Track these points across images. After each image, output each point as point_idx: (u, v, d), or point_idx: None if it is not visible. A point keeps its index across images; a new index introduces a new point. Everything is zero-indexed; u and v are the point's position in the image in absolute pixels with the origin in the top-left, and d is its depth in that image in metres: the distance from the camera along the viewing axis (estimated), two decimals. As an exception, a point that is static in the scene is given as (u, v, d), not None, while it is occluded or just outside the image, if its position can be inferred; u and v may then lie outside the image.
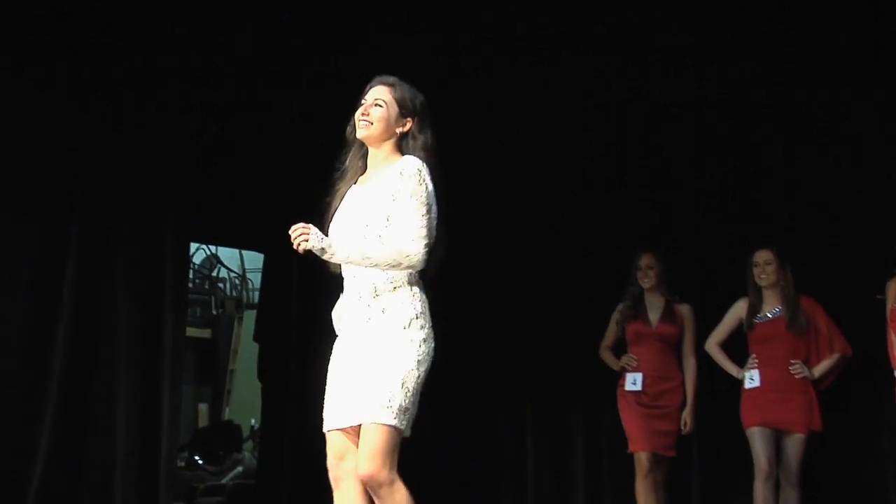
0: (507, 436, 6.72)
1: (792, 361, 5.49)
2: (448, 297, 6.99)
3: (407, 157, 3.44)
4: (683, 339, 5.80)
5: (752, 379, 5.53)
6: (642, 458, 5.66)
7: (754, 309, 5.60)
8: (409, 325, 3.35)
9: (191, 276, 13.22)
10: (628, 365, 5.79)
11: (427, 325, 3.38)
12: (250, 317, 12.34)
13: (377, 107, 3.47)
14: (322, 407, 3.46)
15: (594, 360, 5.99)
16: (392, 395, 3.26)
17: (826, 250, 5.79)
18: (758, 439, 5.45)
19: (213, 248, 13.08)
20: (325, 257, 3.33)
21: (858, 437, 5.64)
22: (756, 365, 5.54)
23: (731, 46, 6.14)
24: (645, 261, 5.84)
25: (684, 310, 5.83)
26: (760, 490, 5.41)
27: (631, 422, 5.73)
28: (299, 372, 7.31)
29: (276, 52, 6.33)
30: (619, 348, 5.92)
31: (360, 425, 3.29)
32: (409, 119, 3.49)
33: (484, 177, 6.72)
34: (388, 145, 3.50)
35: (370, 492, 3.30)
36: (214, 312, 14.03)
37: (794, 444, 5.44)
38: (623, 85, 6.49)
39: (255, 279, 11.78)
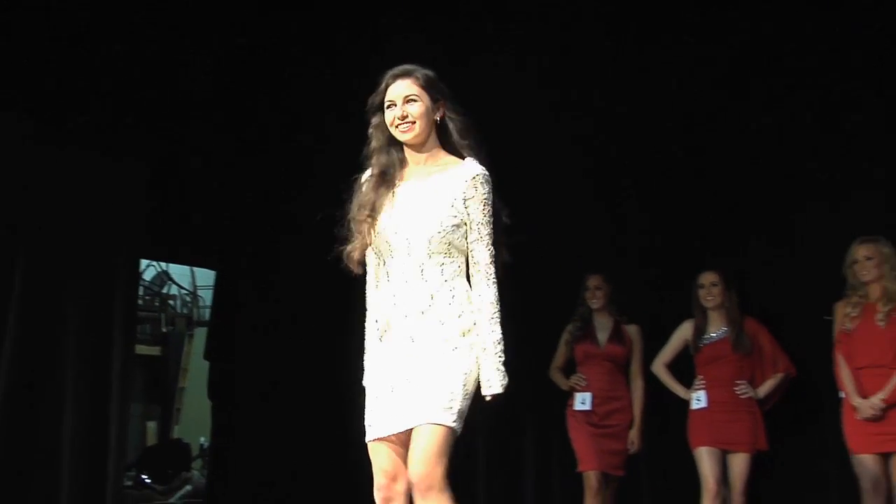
0: (458, 457, 6.64)
1: (737, 382, 5.52)
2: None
3: (472, 163, 3.29)
4: (631, 360, 5.81)
5: (698, 399, 5.55)
6: (591, 478, 5.66)
7: (700, 330, 5.64)
8: (468, 333, 3.25)
9: (141, 293, 13.01)
10: (577, 385, 5.81)
11: None
12: (201, 334, 12.19)
13: (412, 103, 3.27)
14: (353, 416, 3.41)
15: (544, 381, 5.96)
16: (453, 397, 3.13)
17: (772, 272, 5.83)
18: (705, 459, 5.47)
19: (163, 265, 12.89)
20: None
21: (804, 456, 5.67)
22: (702, 386, 5.56)
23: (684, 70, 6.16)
24: (593, 282, 5.86)
25: (632, 330, 5.84)
26: (708, 509, 5.43)
27: (580, 441, 5.73)
28: (249, 390, 7.22)
29: (229, 70, 6.25)
30: (569, 368, 5.91)
31: (406, 434, 3.15)
32: (440, 102, 3.31)
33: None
34: (432, 137, 3.32)
35: (419, 496, 3.12)
36: (164, 330, 13.83)
37: (741, 464, 5.46)
38: (577, 100, 6.48)
39: (207, 296, 11.61)
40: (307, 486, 6.96)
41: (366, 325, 3.40)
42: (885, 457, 5.03)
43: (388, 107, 3.31)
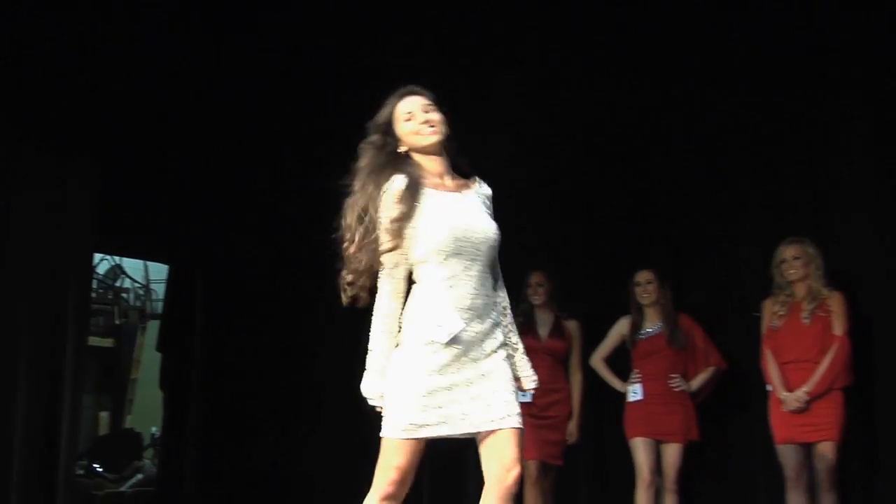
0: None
1: (671, 375, 5.58)
2: (338, 322, 6.98)
3: (483, 182, 3.40)
4: (571, 354, 5.86)
5: (634, 392, 5.60)
6: (531, 467, 5.67)
7: (636, 326, 5.68)
8: (504, 343, 3.32)
9: (94, 286, 12.89)
10: (519, 378, 5.82)
11: None
12: (153, 327, 12.11)
13: (431, 111, 3.30)
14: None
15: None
16: (517, 404, 3.23)
17: (704, 271, 5.89)
18: (640, 449, 5.52)
19: (117, 258, 12.78)
20: None
21: (733, 446, 5.75)
22: (638, 379, 5.61)
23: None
24: (535, 278, 5.89)
25: (572, 325, 5.88)
26: (642, 497, 5.48)
27: (523, 432, 5.75)
28: (201, 381, 7.20)
29: (183, 65, 6.21)
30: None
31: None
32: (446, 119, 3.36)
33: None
34: (443, 149, 3.35)
35: (507, 498, 3.21)
36: (117, 322, 13.71)
37: (674, 453, 5.52)
38: (519, 102, 6.52)
39: (159, 290, 11.53)
40: (258, 475, 6.96)
41: (382, 326, 3.33)
42: (807, 446, 5.14)
43: (407, 120, 3.32)
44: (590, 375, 5.80)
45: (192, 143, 6.70)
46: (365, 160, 3.33)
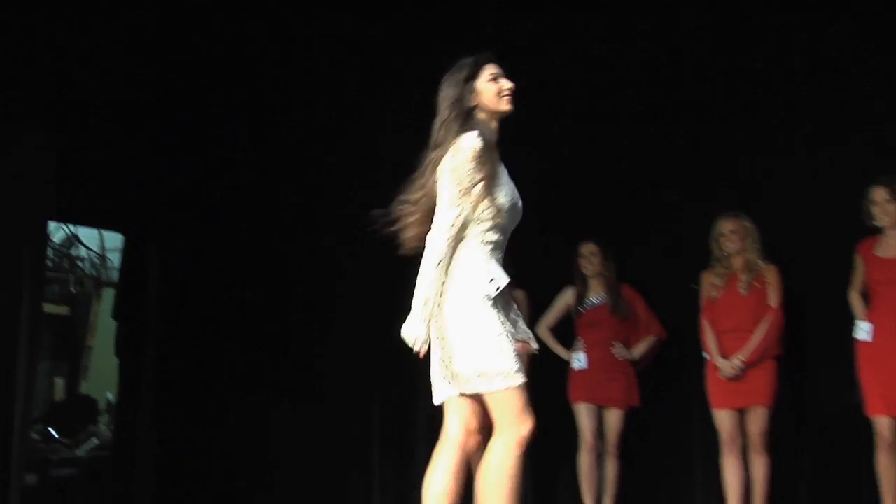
0: (354, 424, 6.71)
1: (614, 343, 5.67)
2: (294, 293, 6.99)
3: None
4: (517, 323, 5.90)
5: (578, 360, 5.68)
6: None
7: (581, 296, 5.75)
8: None
9: (50, 254, 12.74)
10: (467, 346, 5.86)
11: None
12: (109, 295, 11.99)
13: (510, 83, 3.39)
14: None
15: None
16: None
17: (646, 243, 5.96)
18: (583, 414, 5.61)
19: (72, 227, 12.63)
20: None
21: (672, 412, 5.84)
22: (582, 347, 5.69)
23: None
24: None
25: (519, 296, 5.86)
26: (585, 460, 5.58)
27: (468, 397, 5.81)
28: (157, 349, 7.18)
29: (140, 34, 6.15)
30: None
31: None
32: None
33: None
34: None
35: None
36: (73, 290, 13.56)
37: (615, 419, 5.61)
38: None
39: (115, 259, 11.42)
40: (213, 441, 6.96)
41: (438, 275, 3.28)
42: (741, 412, 5.26)
43: (492, 80, 3.36)
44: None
45: (148, 113, 6.64)
46: (445, 110, 3.33)
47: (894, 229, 5.03)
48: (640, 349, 5.70)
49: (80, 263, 13.85)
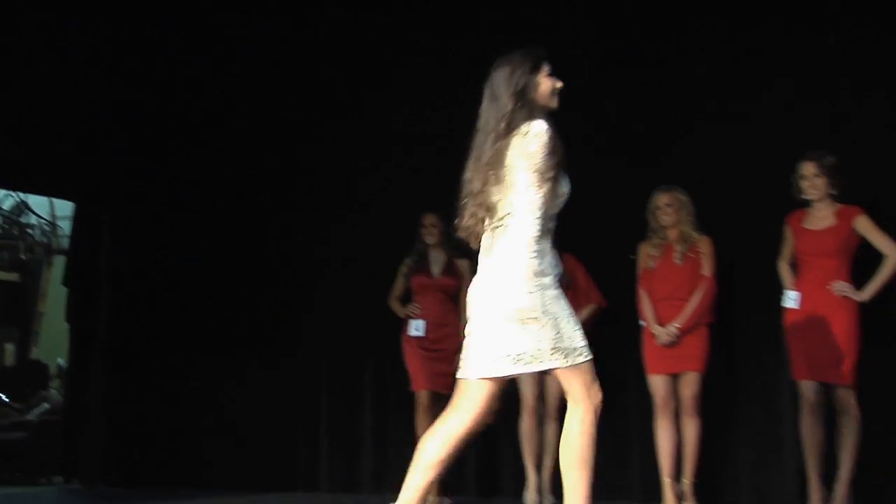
0: (304, 377, 6.74)
1: (554, 312, 5.72)
2: (244, 259, 6.98)
3: None
4: (462, 291, 5.94)
5: (521, 326, 5.73)
6: (423, 396, 5.80)
7: (525, 265, 5.79)
8: None
9: (0, 221, 12.60)
10: (412, 313, 5.91)
11: None
12: (59, 262, 11.89)
13: None
14: None
15: (384, 310, 6.09)
16: None
17: (585, 215, 6.00)
18: (525, 379, 5.65)
19: (22, 195, 12.47)
20: None
21: (609, 377, 5.90)
22: (524, 314, 5.74)
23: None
24: (429, 220, 5.95)
25: (463, 264, 5.95)
26: (527, 422, 5.66)
27: (413, 363, 5.85)
28: (108, 315, 7.15)
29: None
30: (406, 298, 6.03)
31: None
32: None
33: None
34: None
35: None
36: (23, 257, 13.42)
37: (555, 384, 5.65)
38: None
39: (66, 226, 11.31)
40: (163, 403, 6.97)
41: (537, 264, 3.31)
42: (675, 377, 5.38)
43: (549, 76, 3.37)
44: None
45: (99, 81, 6.57)
46: (508, 100, 3.30)
47: (822, 203, 5.14)
48: (580, 317, 5.74)
49: (30, 231, 13.69)
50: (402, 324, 5.97)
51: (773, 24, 5.66)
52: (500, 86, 3.32)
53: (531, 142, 3.23)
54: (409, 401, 5.92)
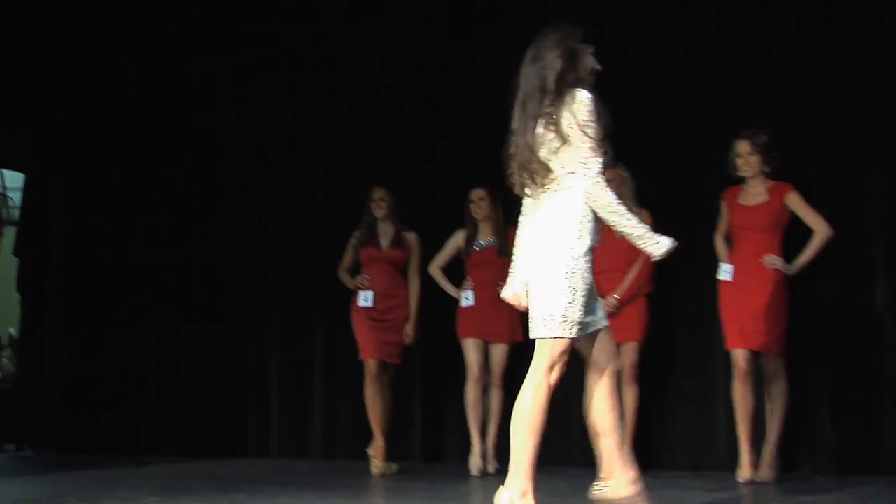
0: (255, 346, 6.75)
1: (500, 283, 5.71)
2: (195, 223, 6.95)
3: None
4: (410, 263, 6.00)
5: (467, 298, 5.78)
6: (371, 365, 5.83)
7: (471, 238, 5.85)
8: None
9: (-51, 191, 12.38)
10: (361, 284, 5.94)
11: None
12: (10, 233, 11.69)
13: None
14: None
15: (333, 281, 6.11)
16: None
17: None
18: (470, 348, 5.74)
19: (-28, 165, 12.26)
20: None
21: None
22: (471, 286, 5.80)
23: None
24: (378, 193, 5.98)
25: (411, 237, 6.01)
26: (472, 391, 5.73)
27: (362, 333, 5.88)
28: (59, 284, 7.09)
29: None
30: (356, 270, 6.06)
31: None
32: None
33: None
34: None
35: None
36: (-27, 228, 13.21)
37: (500, 353, 5.76)
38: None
39: (16, 197, 11.14)
40: (114, 371, 6.94)
41: (586, 233, 3.44)
42: (615, 346, 5.46)
43: (592, 54, 3.47)
44: (427, 282, 5.96)
45: (50, 52, 6.48)
46: (558, 61, 3.37)
47: (756, 179, 5.27)
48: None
49: (-20, 202, 13.48)
50: (351, 295, 5.99)
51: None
52: (549, 48, 3.41)
53: (581, 108, 3.33)
54: (357, 369, 5.96)
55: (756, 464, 5.12)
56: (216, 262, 6.76)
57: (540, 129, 3.36)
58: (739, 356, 5.18)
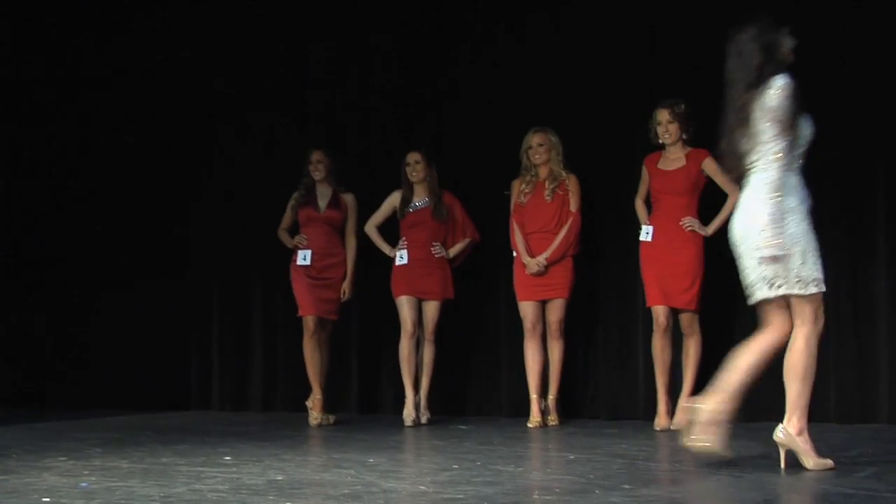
0: (196, 302, 6.69)
1: (433, 243, 5.82)
2: (136, 184, 6.84)
3: None
4: (347, 223, 5.99)
5: (401, 257, 5.81)
6: (309, 321, 5.85)
7: (406, 200, 5.86)
8: None
9: None
10: (300, 243, 5.93)
11: None
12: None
13: None
14: None
15: (273, 241, 6.09)
16: None
17: (462, 153, 6.07)
18: (404, 305, 5.78)
19: None
20: None
21: (482, 303, 6.06)
22: (405, 246, 5.82)
23: None
24: (316, 156, 5.96)
25: (348, 198, 6.01)
26: (405, 345, 5.77)
27: (301, 291, 5.88)
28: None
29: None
30: (294, 230, 6.03)
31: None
32: None
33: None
34: None
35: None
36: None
37: (432, 309, 5.80)
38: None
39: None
40: (55, 325, 6.84)
41: (782, 203, 3.59)
42: (542, 303, 5.57)
43: (789, 46, 3.71)
44: (363, 241, 5.97)
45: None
46: (759, 54, 3.62)
47: (675, 146, 5.37)
48: (455, 249, 5.88)
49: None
50: (290, 253, 5.97)
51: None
52: (747, 43, 3.66)
53: (774, 96, 3.58)
54: (296, 325, 5.97)
55: (672, 413, 5.26)
56: (159, 221, 6.66)
57: (741, 118, 3.64)
58: (660, 312, 5.30)
